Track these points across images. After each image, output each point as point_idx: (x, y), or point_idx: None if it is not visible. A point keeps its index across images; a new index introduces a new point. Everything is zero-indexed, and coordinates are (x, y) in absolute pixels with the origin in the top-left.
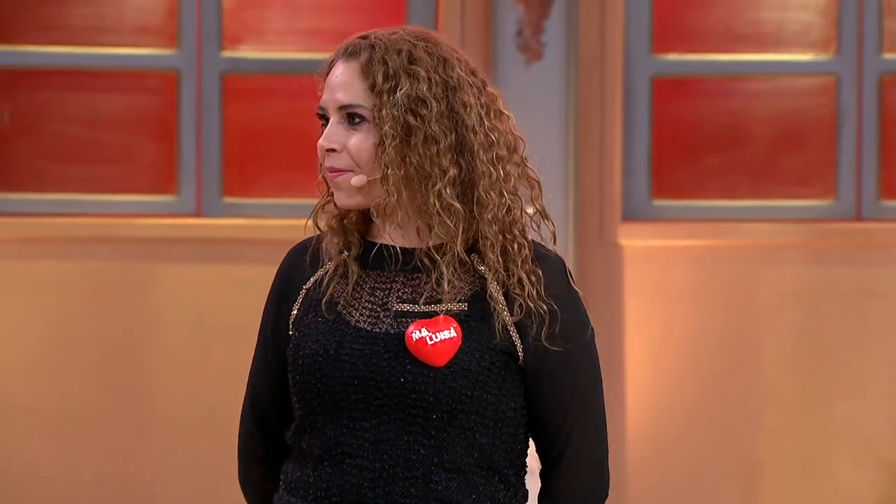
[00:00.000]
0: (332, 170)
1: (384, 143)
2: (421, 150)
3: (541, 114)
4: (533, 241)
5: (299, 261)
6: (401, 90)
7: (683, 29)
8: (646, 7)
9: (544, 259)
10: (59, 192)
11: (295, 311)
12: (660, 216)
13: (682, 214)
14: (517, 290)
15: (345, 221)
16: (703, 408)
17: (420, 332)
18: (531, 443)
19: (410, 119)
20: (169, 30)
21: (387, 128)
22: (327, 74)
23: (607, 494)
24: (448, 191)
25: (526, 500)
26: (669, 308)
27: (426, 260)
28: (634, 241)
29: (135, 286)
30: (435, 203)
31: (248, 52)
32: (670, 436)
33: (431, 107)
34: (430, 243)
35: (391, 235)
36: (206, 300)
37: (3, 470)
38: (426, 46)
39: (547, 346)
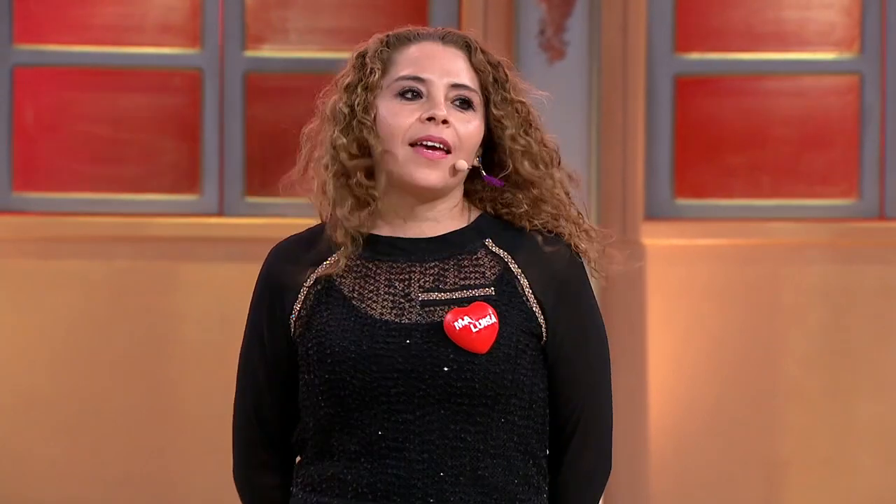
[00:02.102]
0: (439, 143)
1: (504, 132)
2: (534, 139)
3: (563, 113)
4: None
5: (289, 260)
6: (507, 81)
7: (706, 28)
8: (668, 6)
9: (551, 241)
10: (82, 191)
11: (296, 311)
12: (682, 215)
13: (704, 213)
14: (528, 273)
15: (361, 214)
16: (725, 407)
17: (462, 319)
18: None
19: (515, 118)
20: (192, 29)
21: (502, 114)
22: (397, 49)
23: (610, 472)
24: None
25: (548, 483)
26: (692, 307)
27: (440, 247)
28: (657, 239)
29: (157, 285)
30: (549, 185)
31: (270, 52)
32: (693, 434)
33: (527, 106)
34: (442, 231)
35: (394, 226)
36: (228, 299)
37: (27, 467)
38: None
39: (560, 327)
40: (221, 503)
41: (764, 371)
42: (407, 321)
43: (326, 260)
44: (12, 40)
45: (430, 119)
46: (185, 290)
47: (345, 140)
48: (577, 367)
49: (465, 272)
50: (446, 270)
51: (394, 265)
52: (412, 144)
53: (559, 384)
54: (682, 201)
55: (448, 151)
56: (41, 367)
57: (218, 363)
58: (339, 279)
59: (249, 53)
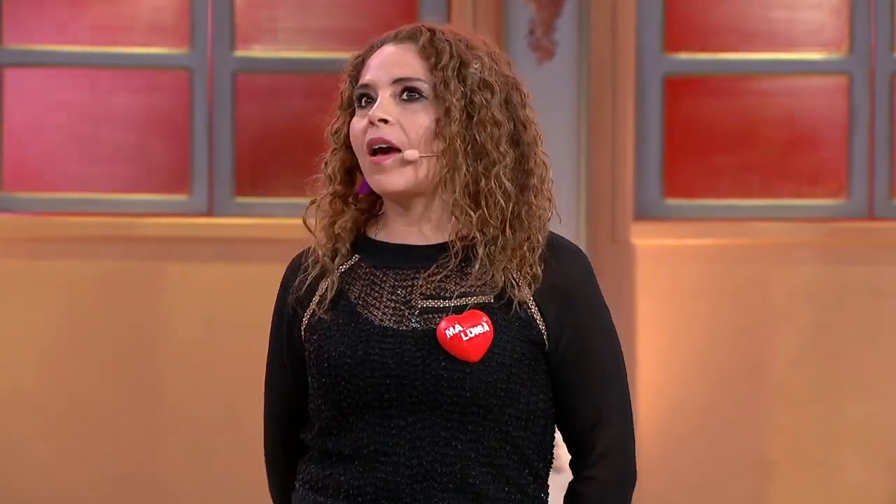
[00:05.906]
0: (380, 144)
1: (450, 116)
2: (484, 131)
3: (552, 113)
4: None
5: (300, 270)
6: (470, 69)
7: (695, 28)
8: (658, 6)
9: (558, 248)
10: (71, 190)
11: (307, 319)
12: (672, 215)
13: (694, 213)
14: (531, 281)
15: (336, 225)
16: (714, 407)
17: (454, 327)
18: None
19: (477, 98)
20: (181, 29)
21: (454, 100)
22: (363, 61)
23: (636, 479)
24: (507, 173)
25: (548, 495)
26: (681, 307)
27: (448, 253)
28: (646, 240)
29: (146, 285)
30: (493, 185)
31: (260, 52)
32: (681, 435)
33: (495, 91)
34: (452, 237)
35: (400, 234)
36: (217, 299)
37: (14, 468)
38: (476, 40)
39: (564, 334)
40: (209, 501)
41: (753, 371)
42: (405, 328)
43: (339, 268)
44: (0, 40)
45: (372, 123)
46: (174, 290)
47: (335, 163)
48: (585, 373)
49: (467, 280)
50: (448, 278)
51: (399, 272)
52: (370, 153)
53: (569, 392)
54: (672, 201)
55: (397, 150)
56: (29, 367)
57: (206, 363)
58: (347, 287)
59: (239, 53)
